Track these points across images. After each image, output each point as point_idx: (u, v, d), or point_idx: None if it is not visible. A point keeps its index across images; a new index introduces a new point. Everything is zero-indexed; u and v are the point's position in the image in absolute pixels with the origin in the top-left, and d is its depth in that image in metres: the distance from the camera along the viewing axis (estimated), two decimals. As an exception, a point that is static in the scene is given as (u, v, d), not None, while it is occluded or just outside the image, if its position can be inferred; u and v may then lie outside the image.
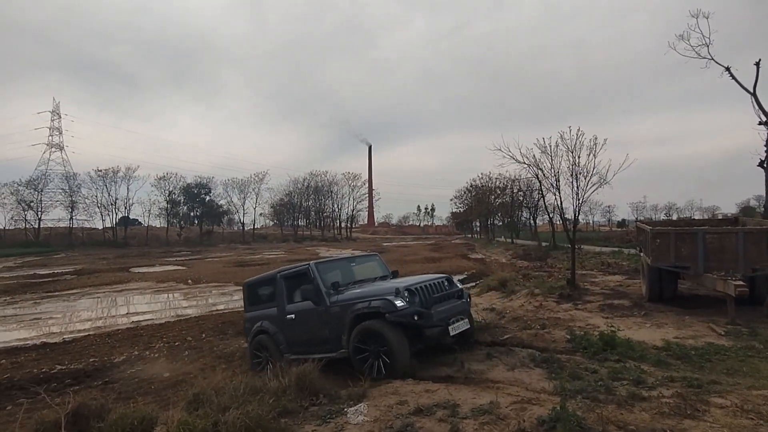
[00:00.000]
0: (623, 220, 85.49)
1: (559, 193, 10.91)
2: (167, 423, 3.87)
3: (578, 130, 10.50)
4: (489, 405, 3.87)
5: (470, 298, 7.01)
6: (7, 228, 65.79)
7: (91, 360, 9.24)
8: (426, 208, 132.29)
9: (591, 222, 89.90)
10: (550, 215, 33.32)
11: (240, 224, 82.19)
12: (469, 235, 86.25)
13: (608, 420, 3.48)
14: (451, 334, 5.88)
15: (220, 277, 25.31)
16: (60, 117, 76.01)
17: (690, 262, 7.85)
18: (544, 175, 11.07)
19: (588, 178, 10.24)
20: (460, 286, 6.90)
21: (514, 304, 10.58)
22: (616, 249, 24.86)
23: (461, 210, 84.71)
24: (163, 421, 4.08)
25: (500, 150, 22.53)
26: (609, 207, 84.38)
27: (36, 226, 65.76)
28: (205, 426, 3.68)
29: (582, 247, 23.74)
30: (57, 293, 20.37)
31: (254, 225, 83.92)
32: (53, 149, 75.11)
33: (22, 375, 8.32)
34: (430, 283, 6.21)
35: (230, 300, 17.63)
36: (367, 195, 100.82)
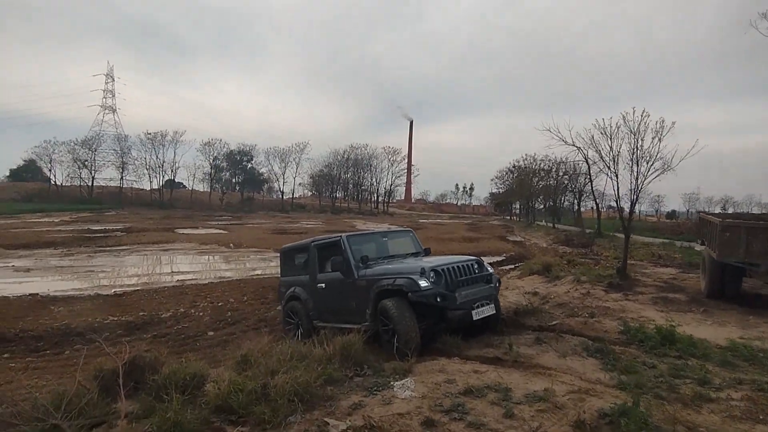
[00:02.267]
0: (673, 211, 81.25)
1: (617, 177, 10.30)
2: (217, 381, 3.92)
3: (643, 111, 9.82)
4: (544, 392, 3.69)
5: (500, 283, 6.79)
6: (63, 184, 69.82)
7: (140, 314, 9.64)
8: (464, 187, 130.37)
9: (638, 211, 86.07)
10: (597, 201, 32.28)
11: (279, 193, 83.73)
12: (507, 217, 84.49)
13: (676, 420, 3.24)
14: (475, 318, 5.72)
15: (260, 242, 25.90)
16: (113, 80, 79.21)
17: (761, 258, 7.26)
18: (601, 157, 10.48)
19: (651, 163, 9.60)
20: (490, 270, 6.67)
21: (558, 289, 10.23)
22: (667, 240, 23.69)
23: (501, 191, 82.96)
24: (213, 379, 4.14)
25: (549, 131, 21.70)
26: (658, 197, 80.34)
27: (89, 184, 69.38)
28: (254, 387, 3.70)
29: (631, 236, 22.70)
30: (108, 248, 21.46)
31: (293, 194, 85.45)
32: (106, 111, 78.62)
33: (78, 323, 8.78)
34: (458, 265, 6.04)
35: (269, 266, 17.99)
36: (405, 171, 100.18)
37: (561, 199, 56.62)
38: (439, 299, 5.45)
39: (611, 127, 10.24)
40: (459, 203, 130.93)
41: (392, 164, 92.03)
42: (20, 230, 28.78)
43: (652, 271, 12.82)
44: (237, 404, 3.54)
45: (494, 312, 6.08)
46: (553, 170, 48.67)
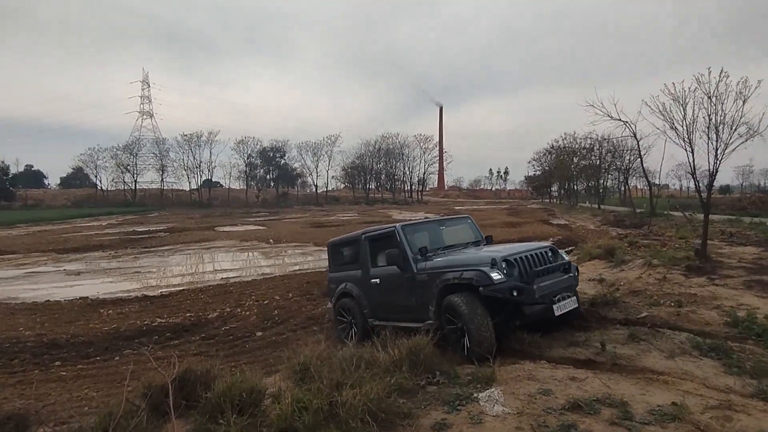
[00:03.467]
0: (727, 185, 76.27)
1: (692, 148, 9.19)
2: (278, 398, 3.42)
3: (721, 71, 8.69)
4: (673, 408, 2.99)
5: (578, 272, 6.01)
6: (109, 189, 72.73)
7: (187, 315, 9.43)
8: (498, 171, 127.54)
9: (682, 188, 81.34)
10: (649, 179, 30.41)
11: (313, 186, 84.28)
12: (546, 200, 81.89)
13: None
14: (557, 313, 5.00)
15: (299, 237, 25.81)
16: (149, 86, 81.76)
17: None
18: (672, 127, 9.40)
19: (734, 129, 8.48)
20: (566, 257, 5.91)
21: (628, 275, 9.31)
22: (732, 217, 21.89)
23: (538, 173, 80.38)
24: (272, 393, 3.66)
25: (593, 106, 20.31)
26: (705, 172, 75.55)
27: (133, 188, 71.94)
28: (320, 405, 3.18)
29: (694, 213, 21.07)
30: (153, 249, 21.79)
31: (327, 187, 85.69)
32: (144, 116, 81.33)
33: (127, 326, 8.63)
34: (532, 253, 5.33)
35: (311, 260, 17.75)
36: (437, 158, 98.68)
37: (605, 179, 54.19)
38: (515, 293, 4.78)
39: (684, 91, 9.14)
40: (493, 188, 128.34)
41: (424, 152, 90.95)
42: (71, 235, 29.82)
43: (730, 250, 11.61)
44: (303, 427, 3.03)
45: (576, 305, 5.36)
46: (596, 148, 46.49)
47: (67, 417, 4.13)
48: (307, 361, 4.19)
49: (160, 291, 12.09)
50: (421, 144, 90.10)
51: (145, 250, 21.58)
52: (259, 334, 8.24)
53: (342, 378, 3.65)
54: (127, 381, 3.95)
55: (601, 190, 53.79)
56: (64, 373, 6.63)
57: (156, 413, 3.45)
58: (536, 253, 5.42)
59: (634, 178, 49.24)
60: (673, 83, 9.44)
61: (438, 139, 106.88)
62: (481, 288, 4.83)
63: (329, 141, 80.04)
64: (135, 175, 72.50)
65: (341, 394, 3.29)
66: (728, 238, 14.66)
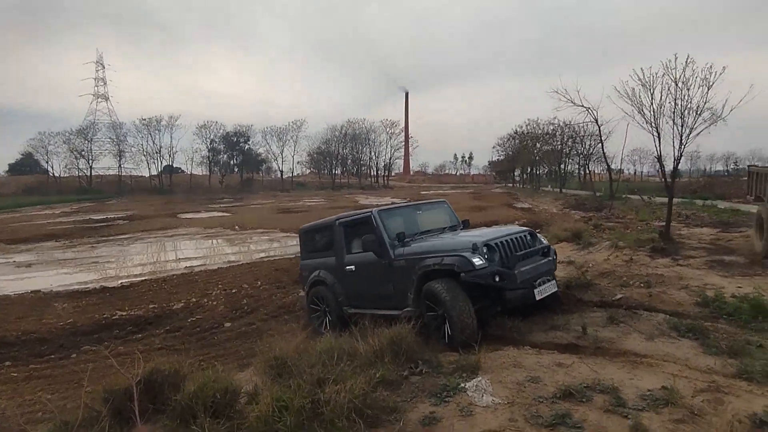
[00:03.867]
0: (678, 170, 79.63)
1: (659, 134, 9.37)
2: (255, 397, 3.21)
3: (688, 57, 8.86)
4: (664, 392, 2.97)
5: (556, 256, 6.02)
6: (62, 176, 68.76)
7: (150, 306, 8.97)
8: (463, 157, 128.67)
9: (637, 172, 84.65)
10: (609, 163, 31.32)
11: (278, 172, 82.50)
12: (510, 185, 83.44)
13: None
14: (538, 298, 4.99)
15: (265, 223, 25.20)
16: (104, 67, 77.35)
17: None
18: (640, 111, 9.54)
19: (698, 114, 8.69)
20: (545, 241, 5.90)
21: (596, 257, 9.50)
22: (685, 199, 22.85)
23: (501, 158, 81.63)
24: (247, 392, 3.43)
25: (557, 93, 20.67)
26: (669, 157, 78.51)
27: (88, 174, 68.34)
28: (303, 404, 2.98)
29: (652, 197, 21.86)
30: (111, 237, 20.76)
31: (292, 173, 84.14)
32: (99, 99, 77.05)
33: (84, 320, 8.11)
34: (512, 237, 5.27)
35: (279, 246, 17.34)
36: (403, 143, 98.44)
37: (566, 164, 55.60)
38: (497, 279, 4.70)
39: (652, 76, 9.28)
40: (458, 173, 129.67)
41: (390, 137, 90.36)
42: (21, 224, 28.06)
43: (689, 232, 12.08)
44: (285, 428, 2.83)
45: (556, 289, 5.35)
46: (558, 134, 47.52)
47: (17, 426, 3.76)
48: (283, 355, 3.98)
49: (120, 282, 11.48)
50: (388, 129, 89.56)
51: (103, 238, 20.52)
52: (227, 324, 7.91)
53: (323, 373, 3.45)
54: (86, 383, 3.64)
55: (562, 175, 55.21)
56: (15, 374, 6.14)
57: (119, 419, 3.17)
58: (516, 238, 5.36)
59: (593, 162, 50.84)
60: (642, 69, 9.57)
61: (404, 125, 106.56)
62: (462, 274, 4.72)
63: (295, 126, 78.38)
64: (90, 161, 68.71)
65: (324, 391, 3.10)
66: (685, 220, 15.27)
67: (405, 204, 6.96)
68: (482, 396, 3.25)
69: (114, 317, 8.34)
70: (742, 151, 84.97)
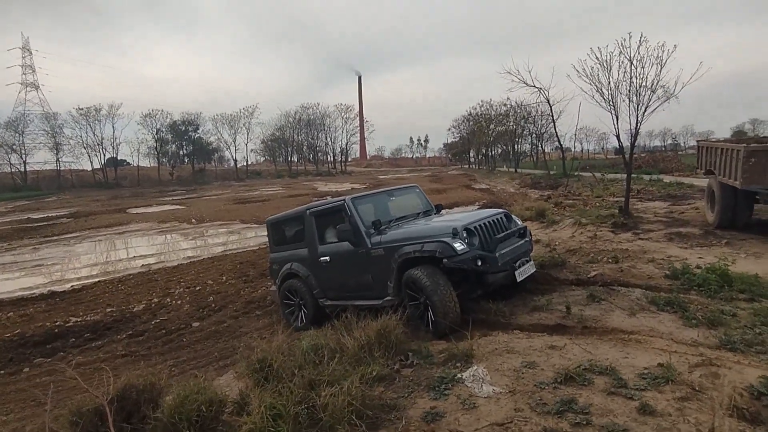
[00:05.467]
0: (622, 147, 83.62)
1: (615, 112, 9.63)
2: (244, 406, 2.98)
3: (641, 36, 9.09)
4: (662, 369, 3.00)
5: (532, 236, 6.07)
6: (-9, 173, 63.39)
7: (107, 310, 8.39)
8: (419, 140, 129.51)
9: (583, 150, 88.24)
10: (561, 142, 32.32)
11: (232, 161, 79.80)
12: (466, 166, 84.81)
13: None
14: (519, 279, 5.02)
15: (223, 215, 24.31)
16: (31, 53, 70.96)
17: None
18: (598, 90, 9.75)
19: (652, 92, 8.97)
20: (520, 222, 5.94)
21: (561, 234, 9.73)
22: (634, 175, 23.96)
23: (457, 140, 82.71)
24: (234, 401, 3.20)
25: (510, 73, 20.97)
26: (604, 134, 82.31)
27: (22, 170, 63.33)
28: (298, 411, 2.79)
29: (605, 174, 22.76)
30: (56, 237, 19.36)
31: (247, 161, 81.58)
32: (28, 88, 70.80)
33: (34, 330, 7.46)
34: (489, 220, 5.27)
35: (241, 238, 16.76)
36: (359, 128, 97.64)
37: (520, 144, 56.93)
38: (479, 263, 4.65)
39: (608, 56, 9.48)
40: (414, 156, 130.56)
41: (346, 122, 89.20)
42: (-53, 227, 25.66)
43: (643, 206, 12.61)
44: (283, 440, 2.64)
45: (534, 270, 5.37)
46: (511, 114, 48.49)
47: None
48: (267, 357, 3.74)
49: (70, 285, 10.67)
50: (342, 114, 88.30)
51: (46, 239, 19.08)
52: (195, 324, 7.52)
53: (314, 374, 3.27)
54: (48, 403, 3.28)
55: (516, 155, 56.61)
56: (-42, 395, 5.56)
57: (93, 442, 2.86)
58: (493, 220, 5.34)
59: (544, 141, 52.35)
60: (599, 47, 9.75)
61: (358, 109, 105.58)
62: (444, 260, 4.63)
63: (246, 113, 75.47)
64: (24, 156, 63.49)
65: (319, 395, 2.92)
66: (637, 195, 15.96)
67: (377, 191, 6.79)
68: (481, 386, 3.18)
69: (68, 324, 7.73)
70: (677, 126, 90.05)
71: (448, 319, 4.52)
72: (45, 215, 29.51)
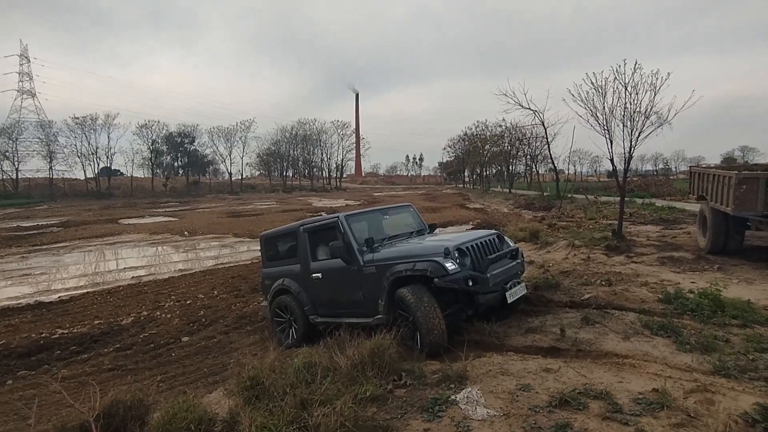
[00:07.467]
0: (614, 170, 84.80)
1: (610, 136, 9.79)
2: (234, 425, 2.92)
3: (636, 63, 9.30)
4: (656, 395, 2.99)
5: (524, 258, 6.09)
6: (-18, 179, 62.78)
7: (96, 322, 8.24)
8: (414, 158, 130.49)
9: (576, 172, 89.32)
10: (555, 164, 32.66)
11: (227, 174, 79.66)
12: (460, 185, 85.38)
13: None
14: (510, 301, 5.02)
15: (216, 228, 24.18)
16: (29, 61, 71.11)
17: None
18: (593, 115, 9.92)
19: (646, 117, 9.14)
20: (512, 244, 5.96)
21: (555, 256, 9.75)
22: (626, 198, 24.19)
23: (452, 159, 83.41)
24: (224, 419, 3.13)
25: (505, 95, 21.30)
26: (597, 157, 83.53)
27: (14, 177, 62.81)
28: (290, 431, 2.74)
29: (598, 196, 22.97)
30: (45, 246, 19.10)
31: (241, 175, 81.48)
32: (25, 96, 70.75)
33: (19, 341, 7.30)
34: (481, 241, 5.29)
35: (233, 252, 16.65)
36: (355, 144, 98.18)
37: (514, 164, 57.52)
38: (470, 283, 4.65)
39: (603, 81, 9.67)
40: (409, 174, 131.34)
41: (342, 138, 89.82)
42: (-66, 233, 25.26)
43: (636, 229, 12.70)
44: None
45: (525, 291, 5.38)
46: (506, 135, 49.10)
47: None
48: (258, 374, 3.69)
49: (58, 296, 10.50)
50: (339, 130, 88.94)
51: (35, 248, 18.82)
52: (185, 339, 7.40)
53: (306, 393, 3.23)
54: (33, 418, 3.20)
55: (510, 175, 57.13)
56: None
57: (78, 459, 2.79)
58: (485, 241, 5.35)
59: (538, 163, 53.01)
60: (594, 73, 9.95)
61: (355, 126, 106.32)
62: (436, 279, 4.63)
63: (243, 126, 75.76)
64: (16, 163, 63.03)
65: (311, 415, 2.88)
66: (629, 218, 16.09)
67: (371, 209, 6.80)
68: (475, 408, 3.15)
69: (54, 336, 7.58)
70: (668, 151, 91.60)
71: (432, 335, 4.50)
72: (35, 224, 29.18)
